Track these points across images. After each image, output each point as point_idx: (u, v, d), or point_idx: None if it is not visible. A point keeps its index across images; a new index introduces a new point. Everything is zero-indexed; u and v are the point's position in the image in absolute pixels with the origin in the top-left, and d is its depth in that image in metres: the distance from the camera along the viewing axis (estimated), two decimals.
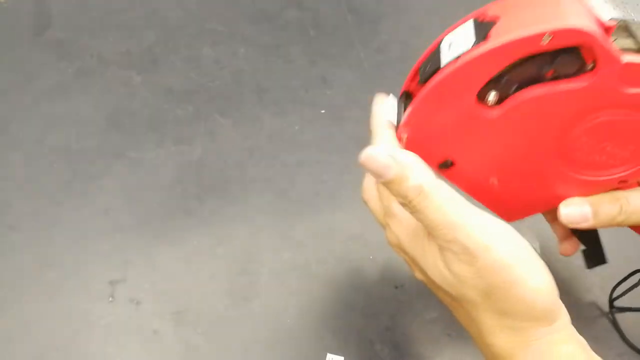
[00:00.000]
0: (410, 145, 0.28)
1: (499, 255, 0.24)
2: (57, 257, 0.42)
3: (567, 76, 0.24)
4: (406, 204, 0.25)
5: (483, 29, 0.25)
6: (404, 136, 0.28)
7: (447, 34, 0.27)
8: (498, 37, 0.24)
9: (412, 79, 0.29)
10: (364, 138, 0.47)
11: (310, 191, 0.47)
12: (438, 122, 0.27)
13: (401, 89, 0.30)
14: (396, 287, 0.42)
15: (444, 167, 0.29)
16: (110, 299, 0.40)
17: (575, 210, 0.29)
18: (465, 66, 0.25)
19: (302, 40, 0.57)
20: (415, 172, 0.24)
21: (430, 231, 0.25)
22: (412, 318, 0.41)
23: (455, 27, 0.27)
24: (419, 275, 0.30)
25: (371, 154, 0.24)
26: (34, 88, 0.51)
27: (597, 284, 0.43)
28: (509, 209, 0.31)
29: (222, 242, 0.43)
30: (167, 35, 0.56)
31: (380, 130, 0.29)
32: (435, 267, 0.27)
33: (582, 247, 0.35)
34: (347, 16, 0.60)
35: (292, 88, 0.53)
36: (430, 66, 0.26)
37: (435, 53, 0.27)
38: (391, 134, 0.28)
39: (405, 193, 0.25)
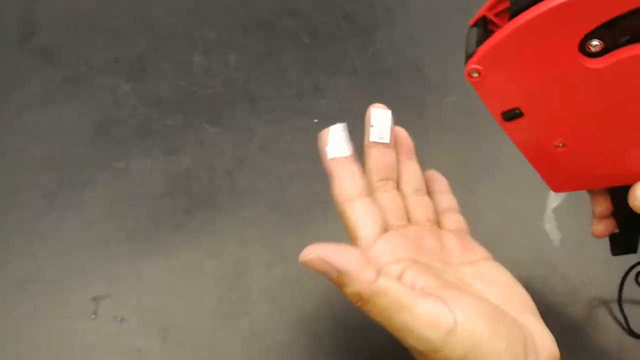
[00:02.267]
0: (480, 85, 0.24)
1: (449, 354, 0.23)
2: (38, 271, 0.40)
3: None
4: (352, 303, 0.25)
5: None
6: (475, 73, 0.23)
7: None
8: None
9: (495, 4, 0.24)
10: (358, 148, 0.46)
11: (303, 203, 0.45)
12: (522, 62, 0.22)
13: (476, 14, 0.25)
14: None
15: (509, 117, 0.25)
16: (93, 316, 0.38)
17: None
18: (570, 3, 0.20)
19: (295, 49, 0.56)
20: (353, 278, 0.23)
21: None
22: None
23: None
24: None
25: (307, 260, 0.24)
26: (18, 95, 0.50)
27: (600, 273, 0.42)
28: (562, 179, 0.28)
29: (210, 256, 0.42)
30: (157, 42, 0.55)
31: (334, 172, 0.29)
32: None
33: (616, 230, 0.31)
34: (341, 24, 0.59)
35: (284, 97, 0.52)
36: None
37: None
38: (342, 175, 0.28)
39: (347, 296, 0.24)
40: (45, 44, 0.54)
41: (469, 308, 0.24)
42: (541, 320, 0.27)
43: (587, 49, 0.21)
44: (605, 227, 0.32)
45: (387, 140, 0.29)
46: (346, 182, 0.28)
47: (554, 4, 0.20)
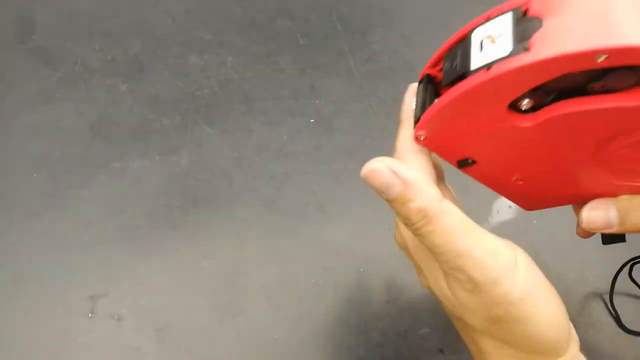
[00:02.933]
0: (428, 144, 0.25)
1: (507, 290, 0.22)
2: (36, 270, 0.40)
3: (617, 90, 0.21)
4: (408, 225, 0.23)
5: (523, 32, 0.21)
6: (422, 137, 0.25)
7: (479, 24, 0.23)
8: (542, 48, 0.20)
9: (435, 64, 0.26)
10: (354, 148, 0.47)
11: (299, 202, 0.46)
12: (461, 125, 0.24)
13: (421, 71, 0.27)
14: (387, 302, 0.41)
15: (463, 165, 0.27)
16: (91, 314, 0.39)
17: (600, 215, 0.27)
18: (500, 77, 0.21)
19: (291, 50, 0.57)
20: (420, 193, 0.22)
21: (434, 255, 0.24)
22: (403, 334, 0.40)
23: (490, 17, 0.23)
24: (423, 281, 0.28)
25: (372, 169, 0.22)
26: (15, 95, 0.50)
27: (595, 269, 0.43)
28: (530, 201, 0.30)
29: (207, 255, 0.42)
30: (153, 43, 0.55)
31: (404, 125, 0.26)
32: (437, 284, 0.25)
33: None
34: (337, 25, 0.60)
35: (281, 97, 0.53)
36: (458, 64, 0.23)
37: (464, 47, 0.23)
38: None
39: (408, 215, 0.23)
40: (42, 45, 0.54)
41: (526, 256, 0.24)
42: None
43: (518, 106, 0.23)
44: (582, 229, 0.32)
45: None
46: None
47: (482, 79, 0.21)
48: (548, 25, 0.20)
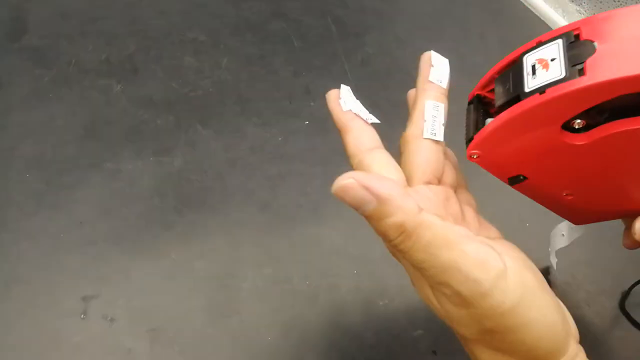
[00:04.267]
0: (481, 162, 0.26)
1: (497, 302, 0.21)
2: (27, 271, 0.40)
3: None
4: (387, 242, 0.22)
5: (576, 56, 0.22)
6: (475, 155, 0.26)
7: (530, 49, 0.24)
8: (598, 71, 0.21)
9: (485, 85, 0.27)
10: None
11: (293, 204, 0.46)
12: (514, 144, 0.25)
13: (471, 92, 0.28)
14: (381, 304, 0.41)
15: (515, 182, 0.27)
16: (83, 315, 0.38)
17: None
18: (557, 99, 0.22)
19: (286, 51, 0.57)
20: (396, 207, 0.20)
21: (418, 271, 0.22)
22: (396, 335, 0.40)
23: (541, 42, 0.24)
24: (414, 287, 0.27)
25: (343, 186, 0.20)
26: (7, 95, 0.49)
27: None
28: (578, 216, 0.30)
29: (201, 256, 0.42)
30: (148, 43, 0.55)
31: (347, 130, 0.26)
32: (427, 296, 0.24)
33: None
34: (331, 28, 0.60)
35: (275, 99, 0.53)
36: (511, 87, 0.24)
37: (517, 70, 0.24)
38: (361, 126, 0.26)
39: (385, 232, 0.21)
40: (35, 44, 0.53)
41: (514, 257, 0.22)
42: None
43: (571, 125, 0.23)
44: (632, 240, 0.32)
45: (445, 85, 0.28)
46: (364, 134, 0.26)
47: (538, 102, 0.22)
48: (602, 49, 0.21)
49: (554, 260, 0.38)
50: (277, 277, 0.41)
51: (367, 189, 0.20)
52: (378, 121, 0.27)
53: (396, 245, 0.21)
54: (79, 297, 0.39)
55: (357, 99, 0.28)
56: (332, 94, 0.28)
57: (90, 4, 0.58)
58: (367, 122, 0.27)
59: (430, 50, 0.28)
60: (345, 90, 0.28)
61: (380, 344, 0.39)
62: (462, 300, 0.21)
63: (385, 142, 0.27)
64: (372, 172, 0.24)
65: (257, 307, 0.40)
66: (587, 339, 0.41)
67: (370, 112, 0.28)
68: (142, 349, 0.37)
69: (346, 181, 0.21)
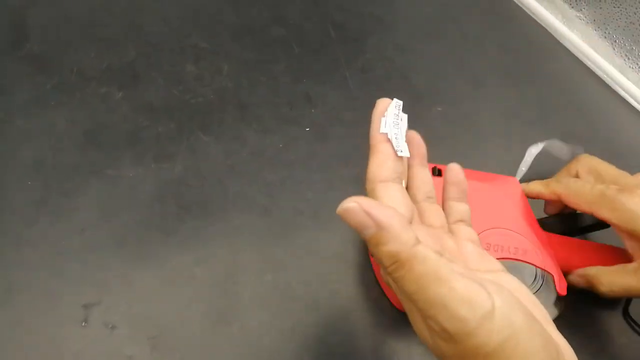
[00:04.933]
0: None
1: (482, 342, 0.21)
2: (27, 278, 0.40)
3: None
4: (382, 267, 0.23)
5: None
6: None
7: None
8: None
9: None
10: (348, 156, 0.47)
11: (294, 210, 0.46)
12: None
13: None
14: (382, 309, 0.41)
15: None
16: (84, 323, 0.38)
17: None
18: None
19: (286, 58, 0.57)
20: (392, 237, 0.21)
21: (410, 301, 0.23)
22: (397, 342, 0.40)
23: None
24: (409, 317, 0.27)
25: (347, 209, 0.22)
26: (8, 102, 0.50)
27: None
28: None
29: (201, 263, 0.42)
30: (148, 50, 0.55)
31: (375, 151, 0.26)
32: (417, 325, 0.25)
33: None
34: (331, 34, 0.60)
35: (275, 105, 0.53)
36: None
37: None
38: (388, 153, 0.26)
39: (380, 258, 0.22)
40: (36, 51, 0.54)
41: (506, 297, 0.22)
42: (561, 335, 0.26)
43: None
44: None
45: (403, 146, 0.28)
46: (388, 162, 0.26)
47: None
48: None
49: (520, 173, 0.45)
50: (277, 283, 0.41)
51: (368, 214, 0.22)
52: (408, 155, 0.27)
53: (390, 273, 0.22)
54: (79, 305, 0.39)
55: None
56: (380, 105, 0.28)
57: (91, 11, 0.58)
58: (395, 152, 0.27)
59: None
60: (393, 107, 0.27)
61: (382, 351, 0.39)
62: (448, 336, 0.22)
63: None
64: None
65: (258, 313, 0.40)
66: (591, 346, 0.41)
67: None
68: (143, 356, 0.37)
69: (350, 204, 0.22)
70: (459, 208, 0.32)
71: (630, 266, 0.37)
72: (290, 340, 0.39)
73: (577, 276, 0.40)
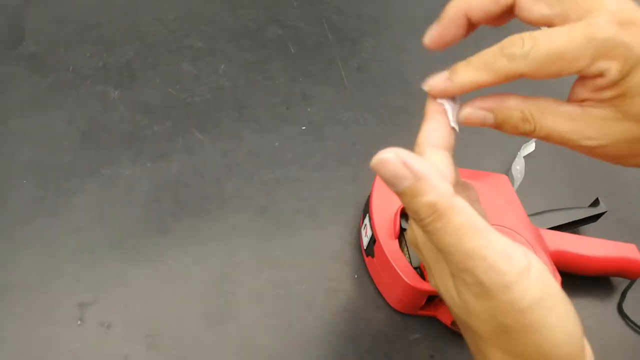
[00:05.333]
0: None
1: (517, 297, 0.21)
2: (23, 278, 0.40)
3: None
4: (417, 221, 0.22)
5: None
6: None
7: None
8: None
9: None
10: (345, 155, 0.47)
11: (290, 208, 0.46)
12: None
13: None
14: (378, 308, 0.41)
15: None
16: (79, 322, 0.38)
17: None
18: None
19: (282, 57, 0.57)
20: (431, 187, 0.21)
21: (442, 255, 0.22)
22: (394, 339, 0.40)
23: None
24: (432, 281, 0.27)
25: (383, 159, 0.21)
26: (5, 102, 0.50)
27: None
28: None
29: (198, 262, 0.42)
30: (145, 50, 0.55)
31: (428, 119, 0.25)
32: (445, 285, 0.24)
33: None
34: (328, 34, 0.60)
35: (272, 105, 0.53)
36: None
37: None
38: (442, 122, 0.25)
39: (417, 210, 0.21)
40: (32, 51, 0.54)
41: (540, 263, 0.22)
42: None
43: None
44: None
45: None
46: (439, 131, 0.25)
47: None
48: None
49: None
50: (274, 281, 0.41)
51: (405, 164, 0.21)
52: (457, 130, 0.27)
53: (426, 225, 0.21)
54: (75, 304, 0.39)
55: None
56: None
57: (88, 10, 0.58)
58: (449, 123, 0.26)
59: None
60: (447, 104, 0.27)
61: (378, 348, 0.39)
62: (482, 290, 0.21)
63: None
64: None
65: (254, 311, 0.40)
66: None
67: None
68: (139, 355, 0.37)
69: (386, 155, 0.21)
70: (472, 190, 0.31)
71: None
72: (286, 339, 0.39)
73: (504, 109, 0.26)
